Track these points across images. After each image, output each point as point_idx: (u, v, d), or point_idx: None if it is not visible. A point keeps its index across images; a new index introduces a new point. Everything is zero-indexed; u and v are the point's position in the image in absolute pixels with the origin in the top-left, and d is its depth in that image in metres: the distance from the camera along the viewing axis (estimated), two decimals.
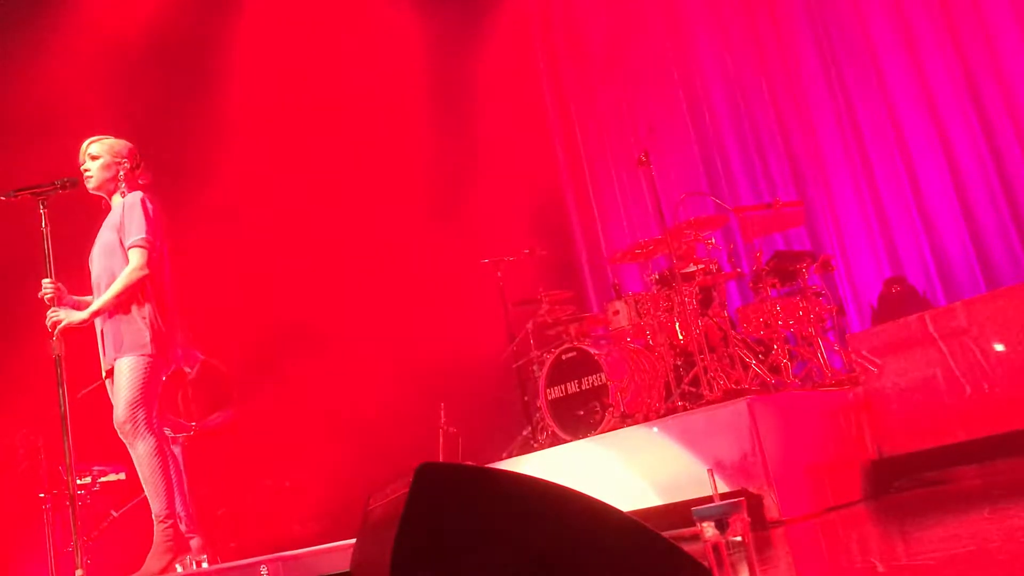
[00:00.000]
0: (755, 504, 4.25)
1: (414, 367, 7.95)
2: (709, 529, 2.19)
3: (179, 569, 4.16)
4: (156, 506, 4.16)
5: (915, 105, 7.81)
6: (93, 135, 4.53)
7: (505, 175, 8.89)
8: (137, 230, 4.26)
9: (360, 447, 7.45)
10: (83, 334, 4.33)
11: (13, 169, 5.56)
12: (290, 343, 7.66)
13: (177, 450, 5.96)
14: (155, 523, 4.16)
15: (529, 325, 6.92)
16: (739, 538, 2.19)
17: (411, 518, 1.65)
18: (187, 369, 6.35)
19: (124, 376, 4.15)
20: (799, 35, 8.48)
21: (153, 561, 4.10)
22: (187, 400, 6.32)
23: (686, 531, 3.60)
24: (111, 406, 4.26)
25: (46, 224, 4.25)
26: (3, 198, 4.24)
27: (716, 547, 2.19)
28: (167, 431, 5.96)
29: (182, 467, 5.96)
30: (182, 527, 4.25)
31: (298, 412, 7.54)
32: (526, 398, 6.88)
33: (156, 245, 4.31)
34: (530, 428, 6.70)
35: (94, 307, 4.23)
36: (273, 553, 4.13)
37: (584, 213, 10.14)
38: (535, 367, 6.65)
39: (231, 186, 7.80)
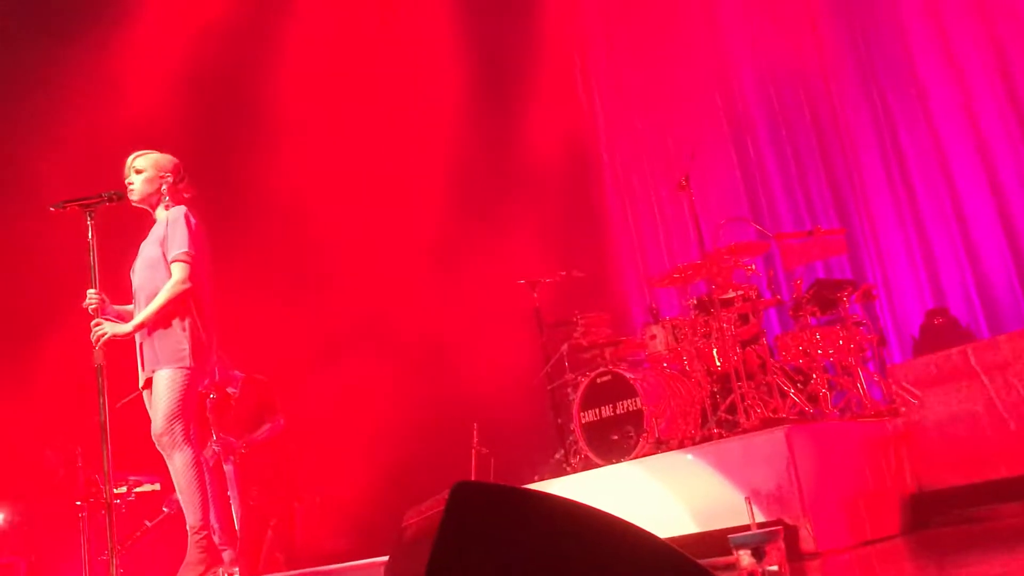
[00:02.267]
0: (790, 535, 4.18)
1: (448, 386, 7.96)
2: (745, 557, 2.16)
3: None
4: (191, 518, 4.19)
5: (960, 133, 7.72)
6: (139, 149, 4.61)
7: (544, 196, 8.91)
8: (180, 244, 4.33)
9: (392, 465, 7.46)
10: (123, 345, 4.39)
11: (61, 181, 5.68)
12: (323, 360, 7.70)
13: (229, 467, 6.02)
14: (189, 534, 4.19)
15: (564, 347, 6.90)
16: (775, 567, 2.16)
17: (446, 536, 1.65)
18: (231, 390, 6.41)
19: (163, 388, 4.20)
20: (843, 61, 8.43)
21: (186, 572, 4.13)
22: (236, 420, 6.38)
23: (721, 560, 3.56)
24: (148, 417, 4.30)
25: (92, 235, 4.32)
26: (52, 209, 4.33)
27: None
28: (215, 448, 6.03)
29: (233, 481, 6.02)
30: (216, 539, 4.27)
31: (330, 428, 7.56)
32: (559, 421, 6.85)
33: (198, 259, 4.37)
34: (563, 451, 6.67)
35: (137, 320, 4.29)
36: (305, 568, 4.14)
37: (623, 236, 10.12)
38: (569, 390, 6.62)
39: (268, 202, 7.91)
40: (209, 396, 6.21)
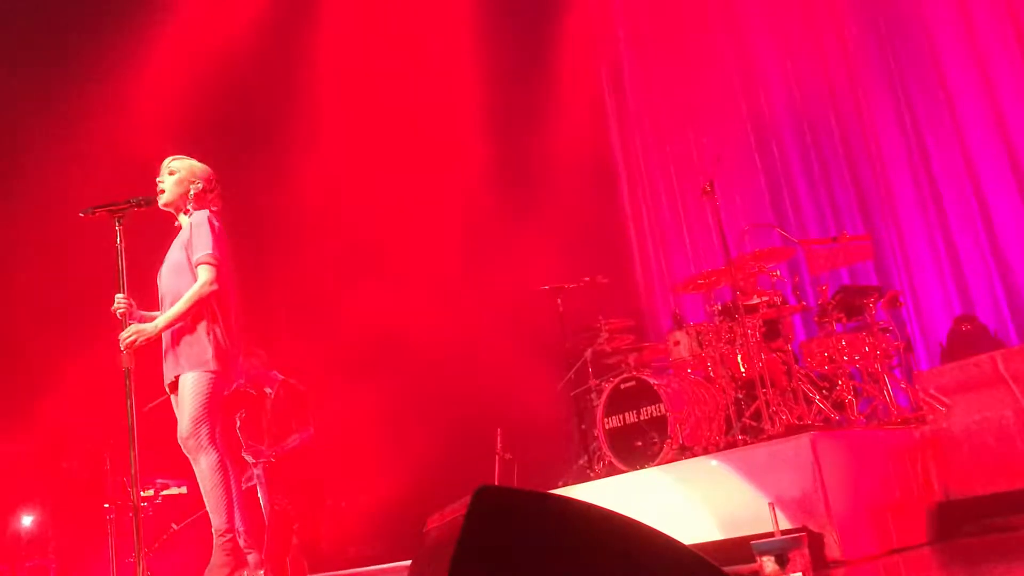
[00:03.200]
0: (816, 543, 4.15)
1: (472, 392, 7.96)
2: (769, 564, 2.15)
3: None
4: (216, 520, 4.21)
5: (987, 138, 7.63)
6: (171, 155, 4.65)
7: (568, 201, 8.91)
8: (204, 246, 4.35)
9: (416, 471, 7.48)
10: (150, 349, 4.42)
11: (90, 187, 5.75)
12: (346, 365, 7.73)
13: (258, 471, 6.06)
14: (215, 537, 4.21)
15: (588, 353, 6.89)
16: (799, 574, 2.15)
17: (468, 541, 1.65)
18: (268, 390, 6.46)
19: (188, 392, 4.23)
20: (869, 66, 8.37)
21: (211, 575, 4.15)
22: (267, 422, 6.43)
23: (745, 567, 3.54)
24: (175, 420, 4.34)
25: (121, 240, 4.36)
26: (81, 215, 4.37)
27: None
28: (248, 457, 6.08)
29: (262, 486, 6.05)
30: (241, 542, 4.30)
31: (355, 434, 7.59)
32: (583, 427, 6.84)
33: (223, 262, 4.39)
34: (587, 457, 6.66)
35: (162, 321, 4.31)
36: (329, 572, 4.16)
37: (647, 242, 10.10)
38: (593, 396, 6.61)
39: (296, 210, 7.96)
40: (238, 415, 6.26)
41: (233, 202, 4.93)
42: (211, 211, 4.54)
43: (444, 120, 8.81)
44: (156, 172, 4.59)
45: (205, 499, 4.25)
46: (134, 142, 6.52)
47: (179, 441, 4.24)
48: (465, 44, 9.11)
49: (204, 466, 4.19)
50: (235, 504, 4.27)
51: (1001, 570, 3.17)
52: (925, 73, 8.01)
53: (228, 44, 7.89)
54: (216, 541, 4.20)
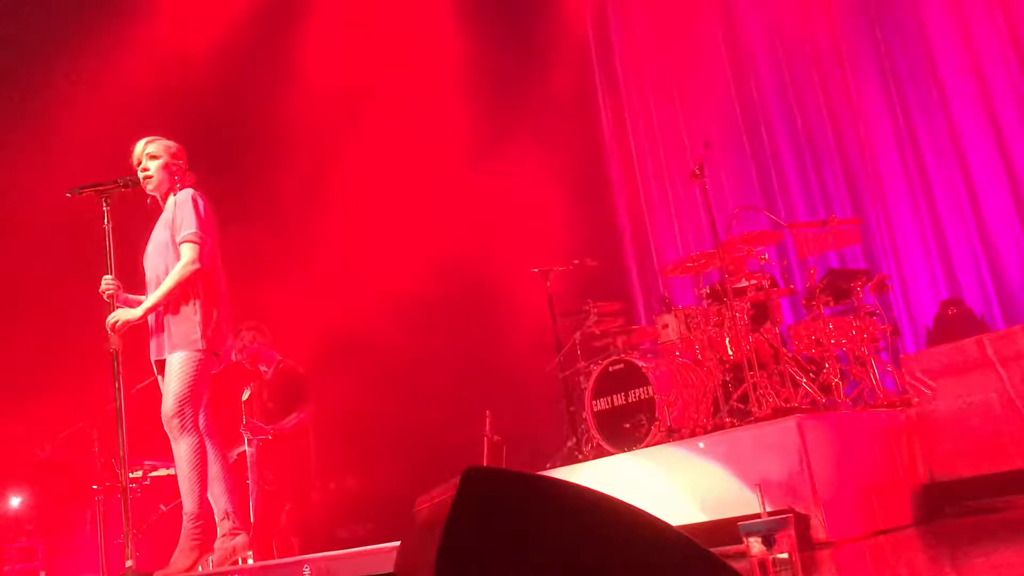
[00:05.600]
0: (802, 524, 4.18)
1: (461, 375, 7.97)
2: (755, 545, 2.16)
3: (200, 569, 4.21)
4: (188, 503, 4.20)
5: (976, 123, 7.65)
6: (146, 136, 4.60)
7: (557, 184, 8.90)
8: (188, 225, 4.32)
9: (404, 453, 7.49)
10: (138, 330, 4.40)
11: (71, 167, 5.71)
12: (337, 349, 7.73)
13: (251, 451, 6.06)
14: (184, 520, 4.20)
15: (577, 336, 6.90)
16: (785, 555, 2.16)
17: (457, 522, 1.66)
18: (263, 368, 6.45)
19: (175, 371, 4.21)
20: (860, 51, 8.37)
21: (180, 558, 4.15)
22: (264, 401, 6.42)
23: (731, 548, 3.56)
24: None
25: (108, 221, 4.34)
26: (68, 195, 4.35)
27: (762, 563, 2.16)
28: (246, 434, 6.07)
29: (253, 466, 6.06)
30: (229, 523, 4.30)
31: (345, 416, 7.59)
32: (572, 409, 6.85)
33: (207, 240, 4.36)
34: (575, 439, 6.68)
35: (148, 304, 4.29)
36: (318, 553, 4.16)
37: (636, 225, 10.10)
38: (581, 378, 6.63)
39: (288, 195, 7.94)
40: (246, 389, 6.26)
41: (227, 185, 4.91)
42: (194, 187, 4.52)
43: (432, 101, 8.78)
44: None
45: (180, 481, 4.23)
46: (122, 124, 6.47)
47: (163, 420, 4.22)
48: (451, 27, 9.07)
49: (183, 449, 4.18)
50: (224, 487, 4.29)
51: (985, 550, 3.20)
52: (915, 58, 8.02)
53: (215, 23, 7.84)
54: (186, 525, 4.20)
